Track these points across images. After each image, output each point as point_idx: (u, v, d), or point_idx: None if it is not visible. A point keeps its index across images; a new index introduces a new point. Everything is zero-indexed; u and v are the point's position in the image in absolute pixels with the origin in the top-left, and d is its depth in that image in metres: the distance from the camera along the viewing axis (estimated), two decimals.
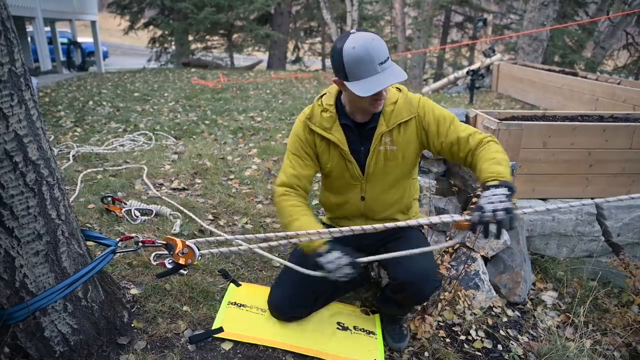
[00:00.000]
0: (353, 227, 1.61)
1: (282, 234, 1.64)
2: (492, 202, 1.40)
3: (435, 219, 1.53)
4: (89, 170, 3.47)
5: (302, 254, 1.85)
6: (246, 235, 1.90)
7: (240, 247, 1.71)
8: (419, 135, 1.78)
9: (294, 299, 1.93)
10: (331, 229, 1.61)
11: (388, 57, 1.56)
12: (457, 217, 1.48)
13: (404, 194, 1.93)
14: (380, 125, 1.75)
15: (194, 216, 2.74)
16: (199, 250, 1.66)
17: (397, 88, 1.79)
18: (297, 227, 1.70)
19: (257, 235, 1.77)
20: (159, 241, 1.71)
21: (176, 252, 1.63)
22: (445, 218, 1.51)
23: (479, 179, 1.58)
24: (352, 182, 1.86)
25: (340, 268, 1.56)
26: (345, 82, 1.60)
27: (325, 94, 1.85)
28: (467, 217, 1.45)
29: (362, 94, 1.55)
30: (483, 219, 1.39)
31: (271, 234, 1.64)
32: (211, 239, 1.71)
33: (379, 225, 1.56)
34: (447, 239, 2.35)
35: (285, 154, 1.93)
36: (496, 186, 1.46)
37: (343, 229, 1.62)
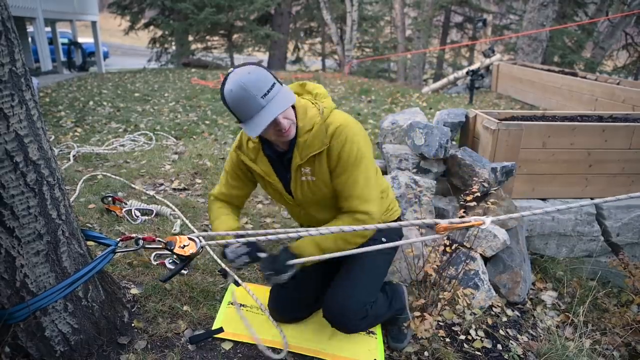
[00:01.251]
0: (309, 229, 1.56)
1: (265, 231, 1.65)
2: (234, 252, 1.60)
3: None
4: (90, 174, 3.48)
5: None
6: (247, 232, 1.91)
7: (237, 240, 1.71)
8: (329, 167, 1.65)
9: (295, 300, 1.94)
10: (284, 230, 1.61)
11: (273, 84, 1.47)
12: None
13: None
14: (295, 157, 1.65)
15: (182, 216, 2.74)
16: (200, 241, 1.67)
17: (319, 108, 1.63)
18: (217, 224, 1.80)
19: (257, 232, 1.78)
20: (159, 239, 1.72)
21: (177, 246, 1.64)
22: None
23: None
24: (289, 203, 1.85)
25: (239, 257, 1.61)
26: (239, 124, 1.56)
27: None
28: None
29: (252, 134, 1.48)
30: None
31: (252, 232, 1.66)
32: (213, 233, 1.73)
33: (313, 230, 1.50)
34: (445, 238, 2.35)
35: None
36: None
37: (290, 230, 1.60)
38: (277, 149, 1.71)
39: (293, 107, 1.61)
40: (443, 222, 1.38)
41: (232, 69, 1.52)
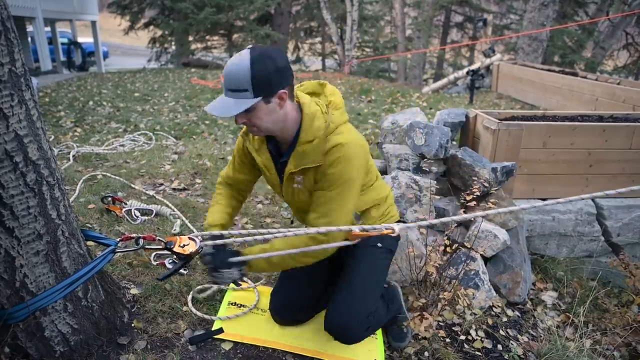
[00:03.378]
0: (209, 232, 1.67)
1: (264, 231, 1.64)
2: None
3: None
4: (90, 174, 3.47)
5: None
6: (248, 231, 1.90)
7: (239, 238, 1.71)
8: (316, 178, 1.64)
9: (295, 303, 1.93)
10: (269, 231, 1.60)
11: (245, 90, 1.44)
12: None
13: None
14: (289, 163, 1.65)
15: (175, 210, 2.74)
16: (200, 241, 1.67)
17: (327, 121, 1.60)
18: (208, 213, 1.86)
19: (259, 230, 1.77)
20: (159, 239, 1.71)
21: (177, 245, 1.64)
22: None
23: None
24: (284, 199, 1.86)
25: (204, 257, 1.62)
26: None
27: None
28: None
29: (206, 108, 1.55)
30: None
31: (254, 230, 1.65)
32: (216, 233, 1.72)
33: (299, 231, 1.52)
34: (445, 238, 2.34)
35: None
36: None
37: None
38: (279, 148, 1.71)
39: (301, 109, 1.59)
40: (356, 230, 1.48)
41: (250, 44, 1.55)
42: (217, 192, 1.94)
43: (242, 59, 1.44)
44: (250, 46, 1.48)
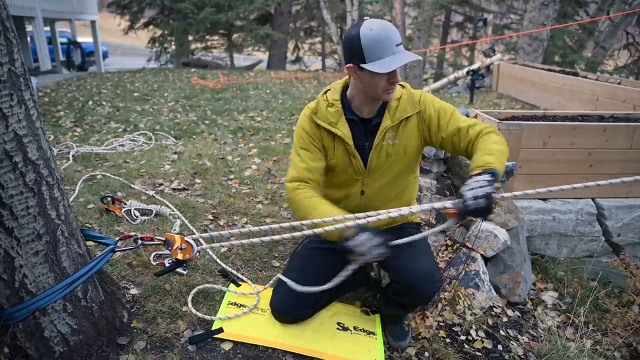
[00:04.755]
0: (358, 215, 1.58)
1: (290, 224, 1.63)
2: (473, 189, 1.45)
3: (425, 207, 1.58)
4: (90, 174, 3.47)
5: (301, 259, 1.93)
6: (249, 228, 1.90)
7: (240, 241, 1.71)
8: (421, 130, 1.81)
9: (297, 300, 1.93)
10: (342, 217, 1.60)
11: (401, 42, 1.62)
12: (448, 204, 1.51)
13: (405, 190, 1.95)
14: (385, 120, 1.77)
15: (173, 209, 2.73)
16: (197, 245, 1.66)
17: (400, 84, 1.82)
18: (317, 215, 1.64)
19: (260, 227, 1.77)
20: (157, 237, 1.71)
21: (174, 247, 1.63)
22: (437, 205, 1.57)
23: (470, 169, 1.60)
24: (355, 177, 1.87)
25: (371, 249, 1.52)
26: (363, 65, 1.61)
27: (329, 89, 1.86)
28: (452, 205, 1.49)
29: (384, 70, 1.58)
30: (467, 208, 1.44)
31: (275, 225, 1.64)
32: (215, 234, 1.72)
33: (382, 213, 1.56)
34: (445, 238, 2.34)
35: (291, 151, 1.92)
36: (479, 174, 1.50)
37: (349, 216, 1.59)
38: (361, 115, 1.79)
39: None
40: (449, 206, 1.48)
41: (367, 17, 1.66)
42: (299, 196, 1.75)
43: (382, 20, 1.61)
44: (366, 18, 1.64)
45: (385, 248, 1.54)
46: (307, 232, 1.62)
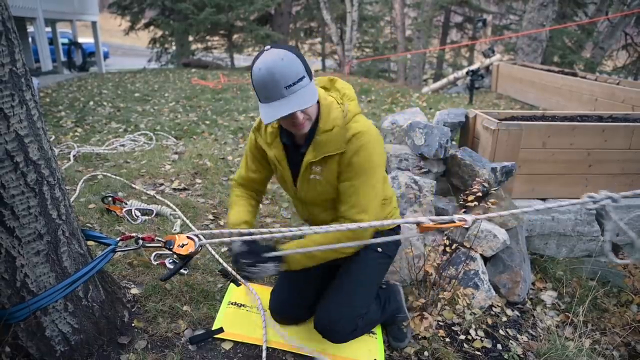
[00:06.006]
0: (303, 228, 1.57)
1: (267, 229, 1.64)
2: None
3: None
4: (91, 174, 3.48)
5: None
6: (243, 230, 1.91)
7: (239, 238, 1.71)
8: (339, 169, 1.64)
9: (295, 302, 1.93)
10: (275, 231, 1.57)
11: (302, 77, 1.44)
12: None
13: None
14: (308, 152, 1.64)
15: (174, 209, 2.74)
16: (199, 240, 1.67)
17: (344, 111, 1.61)
18: (229, 215, 1.82)
19: (260, 230, 1.78)
20: (158, 239, 1.72)
21: (176, 245, 1.64)
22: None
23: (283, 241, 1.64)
24: (294, 196, 1.86)
25: (237, 259, 1.57)
26: (259, 103, 1.53)
27: None
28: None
29: (265, 120, 1.46)
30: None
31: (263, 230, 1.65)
32: (215, 231, 1.73)
33: (318, 228, 1.48)
34: (444, 238, 2.35)
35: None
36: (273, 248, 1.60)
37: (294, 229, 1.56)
38: (294, 140, 1.71)
39: (318, 102, 1.59)
40: (425, 222, 1.35)
41: (269, 46, 1.47)
42: (233, 195, 1.91)
43: (278, 53, 1.42)
44: (267, 47, 1.46)
45: (244, 254, 1.54)
46: (308, 231, 1.62)
